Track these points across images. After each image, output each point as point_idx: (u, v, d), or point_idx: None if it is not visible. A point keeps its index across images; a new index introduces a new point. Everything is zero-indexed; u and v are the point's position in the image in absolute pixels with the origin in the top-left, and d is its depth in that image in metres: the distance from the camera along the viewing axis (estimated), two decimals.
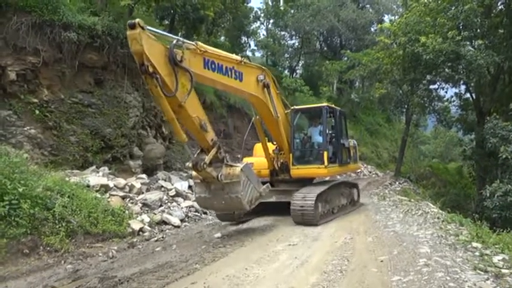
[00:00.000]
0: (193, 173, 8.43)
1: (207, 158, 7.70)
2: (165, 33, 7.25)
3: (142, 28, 6.25)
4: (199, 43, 7.60)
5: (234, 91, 9.21)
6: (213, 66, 7.83)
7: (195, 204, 11.68)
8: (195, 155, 7.86)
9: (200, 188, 8.52)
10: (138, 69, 6.52)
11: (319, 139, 11.24)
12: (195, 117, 7.42)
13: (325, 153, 10.65)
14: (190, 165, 7.79)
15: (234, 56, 8.71)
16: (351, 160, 12.86)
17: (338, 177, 13.51)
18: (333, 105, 12.46)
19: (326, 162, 10.59)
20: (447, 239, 7.65)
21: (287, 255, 6.96)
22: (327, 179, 12.36)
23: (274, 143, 11.22)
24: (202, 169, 7.64)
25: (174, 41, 6.97)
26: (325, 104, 11.86)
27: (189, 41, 7.43)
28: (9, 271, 6.14)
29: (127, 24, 6.27)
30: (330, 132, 11.43)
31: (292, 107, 11.58)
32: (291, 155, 10.94)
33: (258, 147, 11.84)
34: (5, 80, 10.38)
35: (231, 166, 8.15)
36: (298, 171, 10.87)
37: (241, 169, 8.11)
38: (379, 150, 37.42)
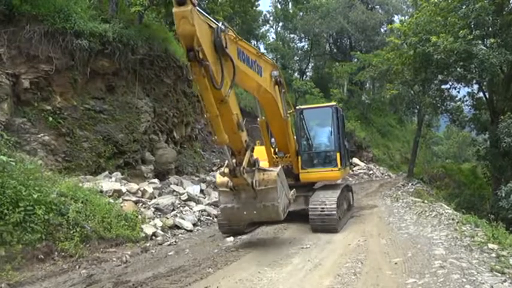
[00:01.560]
0: (219, 180, 7.72)
1: (244, 162, 6.89)
2: (206, 14, 5.99)
3: (194, 5, 5.29)
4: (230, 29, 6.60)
5: (253, 87, 8.19)
6: (243, 57, 7.05)
7: (207, 208, 11.71)
8: (231, 160, 6.96)
9: (227, 197, 7.67)
10: (186, 55, 5.58)
11: (328, 140, 10.76)
12: (235, 114, 6.59)
13: (338, 155, 10.27)
14: (226, 170, 6.91)
15: (253, 47, 8.02)
16: (349, 162, 12.49)
17: (349, 179, 13.37)
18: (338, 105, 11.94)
19: (339, 165, 10.20)
20: (462, 241, 7.55)
21: (300, 259, 6.94)
22: (339, 181, 12.08)
23: (274, 145, 10.62)
24: (241, 175, 6.84)
25: (220, 24, 6.05)
26: (333, 103, 11.39)
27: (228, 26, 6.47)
28: (25, 276, 6.21)
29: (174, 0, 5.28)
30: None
31: (297, 107, 11.11)
32: (298, 158, 10.44)
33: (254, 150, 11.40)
34: (19, 88, 10.54)
35: (265, 171, 7.40)
36: (308, 175, 10.35)
37: (277, 174, 7.36)
38: (391, 152, 37.10)
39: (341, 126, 11.10)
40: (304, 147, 10.73)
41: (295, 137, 10.59)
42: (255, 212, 7.47)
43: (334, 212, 9.02)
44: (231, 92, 6.33)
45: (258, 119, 10.24)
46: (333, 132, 10.63)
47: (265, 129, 10.15)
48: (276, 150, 10.65)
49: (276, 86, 8.89)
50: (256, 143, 11.31)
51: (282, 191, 7.50)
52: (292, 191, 8.40)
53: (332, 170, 10.24)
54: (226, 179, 7.32)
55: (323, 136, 11.06)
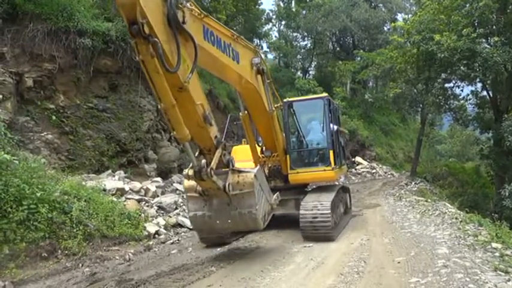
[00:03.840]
0: (186, 184, 6.67)
1: (213, 162, 5.92)
2: None
3: None
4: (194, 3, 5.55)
5: (234, 78, 7.12)
6: (212, 38, 5.97)
7: None
8: (194, 160, 5.92)
9: (197, 204, 6.62)
10: (127, 30, 4.53)
11: (321, 136, 9.55)
12: (200, 104, 5.62)
13: (331, 153, 9.10)
14: (190, 172, 5.97)
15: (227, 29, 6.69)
16: (346, 161, 11.52)
17: (352, 178, 13.08)
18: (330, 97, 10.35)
19: (333, 164, 9.04)
20: (466, 240, 7.52)
21: (303, 257, 6.93)
22: (338, 181, 10.93)
23: (260, 143, 9.53)
24: (209, 177, 5.82)
25: None
26: (325, 94, 10.23)
27: None
28: (28, 274, 6.23)
29: None
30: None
31: (285, 99, 9.80)
32: (287, 157, 9.25)
33: (238, 150, 10.12)
34: (22, 87, 10.57)
35: (240, 172, 6.34)
36: (298, 176, 9.13)
37: (255, 175, 6.33)
38: (394, 151, 37.05)
39: (335, 120, 9.94)
40: (293, 144, 9.56)
41: (283, 134, 9.42)
42: (229, 221, 6.46)
43: (329, 218, 7.93)
44: (192, 77, 5.30)
45: (240, 114, 8.79)
46: (326, 127, 9.40)
47: (248, 125, 8.81)
48: (263, 148, 9.57)
49: (259, 76, 7.73)
50: (242, 141, 10.56)
51: (261, 196, 6.52)
52: (275, 195, 7.32)
53: (325, 170, 9.06)
54: (194, 182, 6.31)
55: (314, 132, 9.93)
